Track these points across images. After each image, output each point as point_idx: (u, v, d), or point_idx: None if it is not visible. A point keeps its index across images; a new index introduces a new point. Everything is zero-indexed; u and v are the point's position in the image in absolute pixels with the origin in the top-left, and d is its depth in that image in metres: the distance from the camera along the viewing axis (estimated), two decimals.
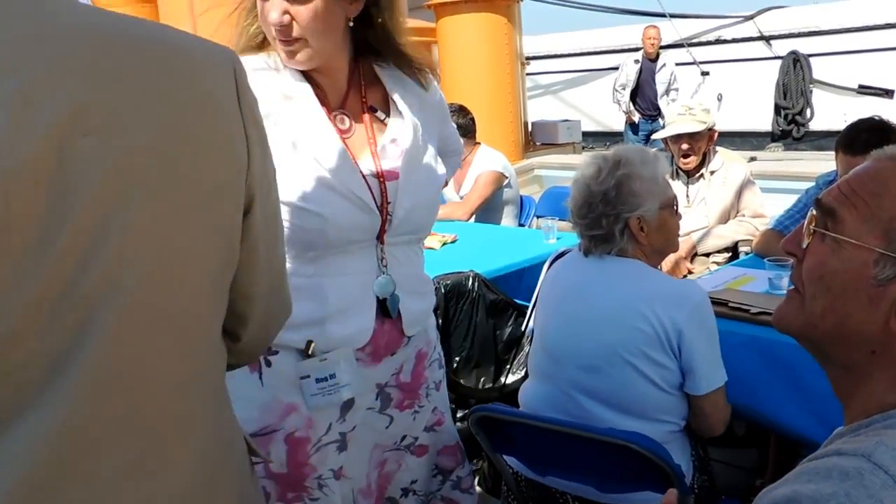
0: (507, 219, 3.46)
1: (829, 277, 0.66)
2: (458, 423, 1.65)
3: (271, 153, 0.69)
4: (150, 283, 0.57)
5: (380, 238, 1.17)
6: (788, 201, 2.35)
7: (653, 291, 1.42)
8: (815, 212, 0.69)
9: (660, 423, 1.43)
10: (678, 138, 2.61)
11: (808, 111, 8.01)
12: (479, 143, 3.42)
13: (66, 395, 0.53)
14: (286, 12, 1.09)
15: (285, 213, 1.08)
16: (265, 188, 0.67)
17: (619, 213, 1.44)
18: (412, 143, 1.20)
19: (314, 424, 1.18)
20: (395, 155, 1.19)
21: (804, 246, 0.69)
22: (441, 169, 1.26)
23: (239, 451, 0.70)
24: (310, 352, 1.15)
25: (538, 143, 7.15)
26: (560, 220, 2.91)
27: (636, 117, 6.76)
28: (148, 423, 0.58)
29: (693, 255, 2.62)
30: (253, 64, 1.12)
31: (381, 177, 1.17)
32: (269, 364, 1.16)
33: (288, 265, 1.06)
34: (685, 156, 2.62)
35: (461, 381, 2.05)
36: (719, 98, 8.34)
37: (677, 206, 1.53)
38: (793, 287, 0.71)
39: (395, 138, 1.20)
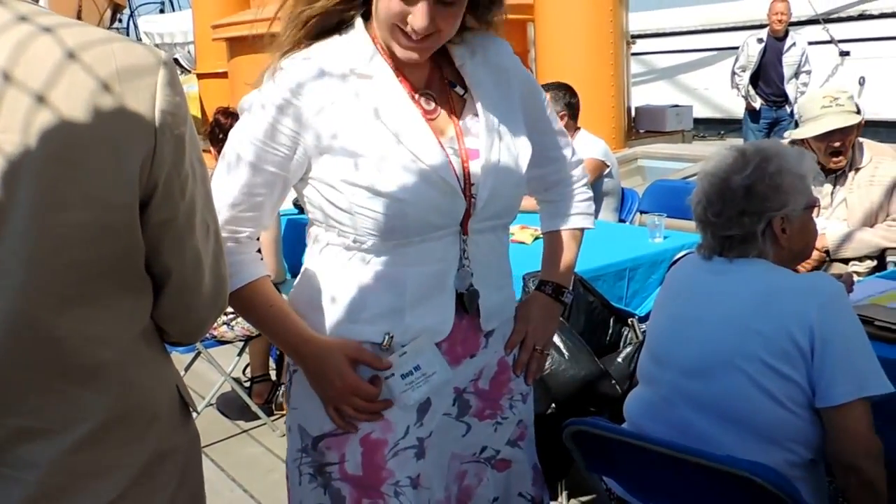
0: (606, 213, 3.41)
1: None
2: None
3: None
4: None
5: (463, 225, 1.18)
6: None
7: (777, 285, 1.37)
8: None
9: (778, 448, 1.33)
10: (829, 135, 2.45)
11: None
12: (579, 128, 3.39)
13: None
14: (433, 19, 1.06)
15: (364, 200, 1.11)
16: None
17: (763, 211, 1.40)
18: (492, 116, 1.20)
19: (392, 427, 1.20)
20: (476, 132, 1.19)
21: None
22: (527, 144, 1.23)
23: (159, 398, 0.91)
24: (388, 346, 1.16)
25: (642, 131, 6.97)
26: (668, 217, 2.83)
27: (757, 103, 6.41)
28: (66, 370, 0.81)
29: (827, 262, 2.47)
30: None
31: (464, 157, 1.17)
32: None
33: (368, 254, 1.15)
34: (835, 153, 2.47)
35: None
36: (861, 82, 7.83)
37: (819, 208, 1.46)
38: None
39: (476, 113, 1.20)
